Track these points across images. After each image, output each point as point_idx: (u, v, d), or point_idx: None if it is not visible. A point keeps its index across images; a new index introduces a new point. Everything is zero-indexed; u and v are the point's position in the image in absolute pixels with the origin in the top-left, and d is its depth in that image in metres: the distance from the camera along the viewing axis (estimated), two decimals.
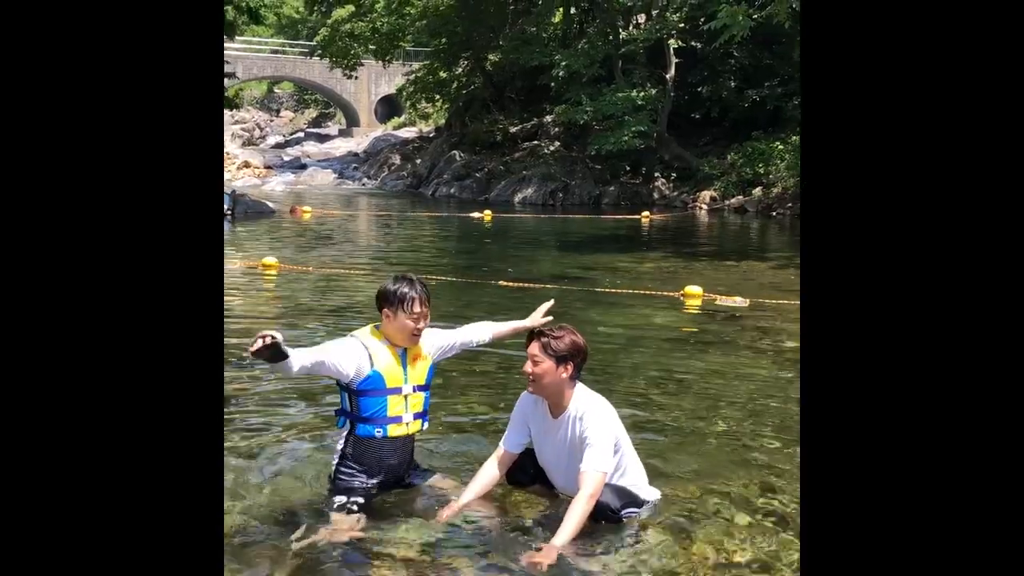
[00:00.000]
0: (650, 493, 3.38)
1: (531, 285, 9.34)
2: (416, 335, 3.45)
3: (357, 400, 3.43)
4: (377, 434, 3.44)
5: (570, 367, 3.23)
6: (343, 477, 3.49)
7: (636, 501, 3.28)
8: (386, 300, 3.42)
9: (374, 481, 3.48)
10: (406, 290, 3.39)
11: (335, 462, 3.55)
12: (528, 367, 3.26)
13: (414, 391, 3.49)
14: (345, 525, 3.27)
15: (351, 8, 30.34)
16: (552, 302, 3.82)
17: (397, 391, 3.44)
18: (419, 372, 3.51)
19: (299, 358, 3.17)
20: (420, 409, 3.54)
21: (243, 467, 3.90)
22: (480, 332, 3.79)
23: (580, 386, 3.31)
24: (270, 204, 19.97)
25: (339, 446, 3.56)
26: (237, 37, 29.95)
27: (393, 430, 3.46)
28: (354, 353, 3.37)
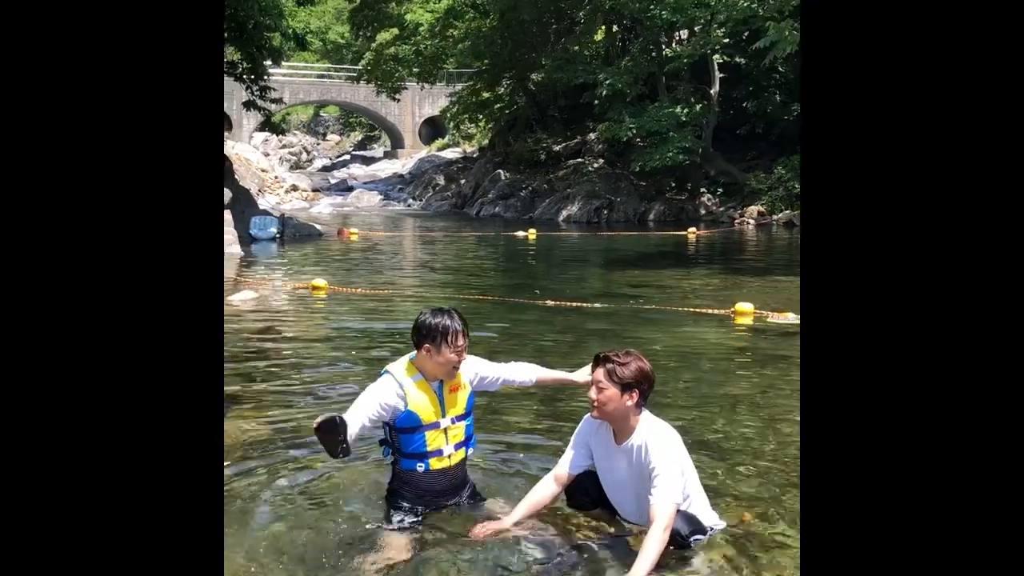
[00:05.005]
0: (714, 519, 3.31)
1: (579, 304, 9.29)
2: (457, 368, 3.39)
3: (397, 436, 3.41)
4: (419, 468, 3.42)
5: (635, 395, 3.15)
6: (394, 500, 3.49)
7: (702, 528, 3.21)
8: (427, 335, 3.32)
9: (423, 505, 3.46)
10: (448, 323, 3.31)
11: (387, 485, 3.56)
12: (592, 393, 3.20)
13: (453, 423, 3.44)
14: (397, 547, 3.26)
15: (395, 32, 30.77)
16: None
17: (435, 426, 3.39)
18: (458, 403, 3.45)
19: (354, 426, 3.20)
20: (462, 439, 3.50)
21: (296, 482, 3.92)
22: (525, 373, 3.69)
23: (646, 413, 3.24)
24: (318, 227, 20.24)
25: (387, 478, 3.57)
26: (284, 63, 30.55)
27: (435, 463, 3.43)
28: (388, 394, 3.33)
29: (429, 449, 3.40)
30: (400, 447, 3.42)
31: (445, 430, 3.42)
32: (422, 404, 3.35)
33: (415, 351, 3.41)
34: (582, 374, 3.58)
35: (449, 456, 3.45)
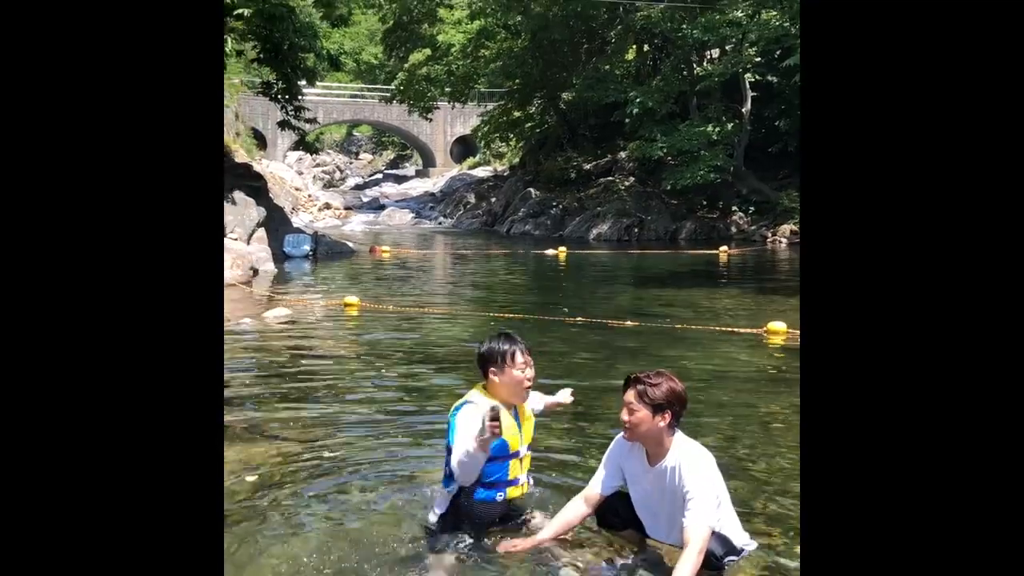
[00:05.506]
0: (746, 540, 3.27)
1: (609, 322, 9.27)
2: (528, 386, 3.43)
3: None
4: (499, 498, 3.43)
5: (667, 416, 3.13)
6: (441, 526, 3.43)
7: (735, 549, 3.18)
8: (488, 360, 3.40)
9: (472, 536, 3.40)
10: (506, 345, 3.41)
11: (435, 518, 3.46)
12: (624, 415, 3.19)
13: (526, 451, 3.49)
14: (428, 566, 3.25)
15: (427, 52, 31.06)
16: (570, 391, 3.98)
17: (516, 455, 3.43)
18: (528, 432, 3.50)
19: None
20: (530, 467, 3.56)
21: (326, 501, 3.94)
22: (539, 401, 3.83)
23: (679, 434, 3.21)
24: (350, 244, 20.43)
25: (441, 508, 3.45)
26: (318, 83, 30.95)
27: (512, 492, 3.46)
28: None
29: (510, 478, 3.43)
30: (482, 477, 3.36)
31: (522, 459, 3.46)
32: (510, 432, 3.36)
33: (484, 381, 3.45)
34: (561, 395, 3.93)
35: (522, 485, 3.49)
